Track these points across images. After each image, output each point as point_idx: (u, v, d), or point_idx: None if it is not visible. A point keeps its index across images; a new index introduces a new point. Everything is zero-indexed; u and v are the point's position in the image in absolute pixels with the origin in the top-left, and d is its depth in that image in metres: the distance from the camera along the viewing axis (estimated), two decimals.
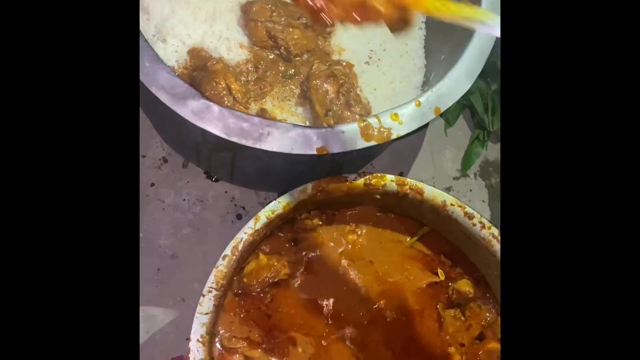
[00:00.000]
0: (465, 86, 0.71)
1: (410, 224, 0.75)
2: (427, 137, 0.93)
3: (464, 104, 0.93)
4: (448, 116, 0.93)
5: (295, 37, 0.79)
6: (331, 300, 0.70)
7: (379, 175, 0.71)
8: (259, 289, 0.69)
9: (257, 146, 0.63)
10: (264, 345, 0.68)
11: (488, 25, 0.50)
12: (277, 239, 0.71)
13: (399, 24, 0.54)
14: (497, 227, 0.71)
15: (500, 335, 0.71)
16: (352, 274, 0.72)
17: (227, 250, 0.66)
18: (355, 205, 0.74)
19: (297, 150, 0.64)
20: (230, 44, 0.78)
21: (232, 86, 0.74)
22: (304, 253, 0.71)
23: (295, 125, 0.65)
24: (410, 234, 0.75)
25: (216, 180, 0.86)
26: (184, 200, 0.84)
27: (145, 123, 0.86)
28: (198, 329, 0.64)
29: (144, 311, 0.79)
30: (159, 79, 0.63)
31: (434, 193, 0.71)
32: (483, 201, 0.92)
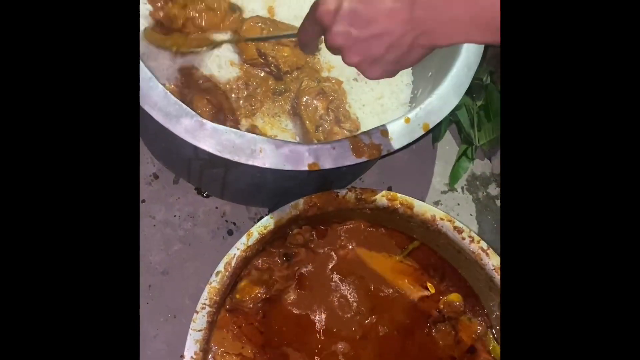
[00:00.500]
0: (453, 102, 0.72)
1: (400, 239, 0.76)
2: (415, 152, 0.94)
3: (451, 120, 0.94)
4: (435, 131, 0.95)
5: (285, 54, 0.80)
6: (323, 316, 0.71)
7: (369, 190, 0.71)
8: (251, 305, 0.69)
9: (250, 162, 0.63)
10: None
11: None
12: (268, 254, 0.72)
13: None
14: (485, 241, 0.72)
15: (490, 348, 0.72)
16: (344, 289, 0.72)
17: (220, 267, 0.66)
18: (346, 220, 0.75)
19: (289, 166, 0.64)
20: (220, 62, 0.79)
21: (223, 104, 0.75)
22: (296, 268, 0.72)
23: (286, 142, 0.65)
24: (401, 248, 0.75)
25: (207, 196, 0.86)
26: (175, 216, 0.84)
27: None
28: (192, 345, 0.64)
29: None
30: (152, 96, 0.63)
31: (423, 208, 0.72)
32: (471, 215, 0.93)
